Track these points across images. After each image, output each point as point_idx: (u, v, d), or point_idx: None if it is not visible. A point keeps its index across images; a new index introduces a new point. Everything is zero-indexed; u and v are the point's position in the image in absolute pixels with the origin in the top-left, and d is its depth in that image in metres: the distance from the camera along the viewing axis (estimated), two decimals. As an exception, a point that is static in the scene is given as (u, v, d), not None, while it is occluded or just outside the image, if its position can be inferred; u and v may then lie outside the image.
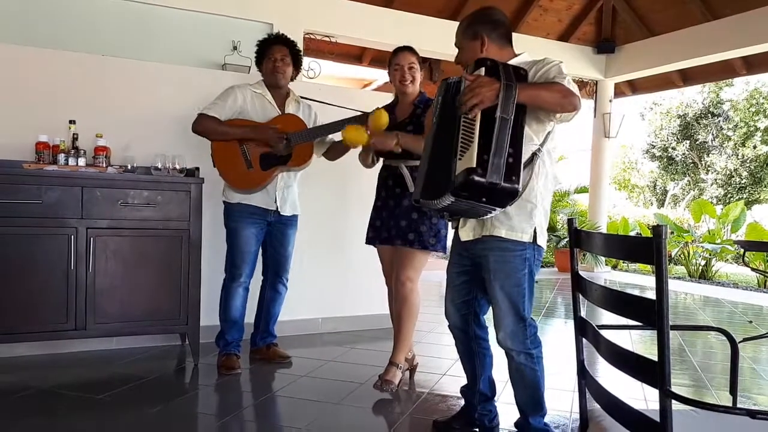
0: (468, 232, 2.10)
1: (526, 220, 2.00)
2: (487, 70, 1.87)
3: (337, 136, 3.14)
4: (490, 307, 2.14)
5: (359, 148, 2.92)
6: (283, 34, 3.25)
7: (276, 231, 3.24)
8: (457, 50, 2.21)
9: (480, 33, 2.10)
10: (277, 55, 3.13)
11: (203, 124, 3.00)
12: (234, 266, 3.14)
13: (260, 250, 3.27)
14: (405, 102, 2.92)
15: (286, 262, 3.32)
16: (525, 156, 1.94)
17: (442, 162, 1.92)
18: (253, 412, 2.57)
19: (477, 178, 1.74)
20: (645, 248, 1.13)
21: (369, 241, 3.00)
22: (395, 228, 2.83)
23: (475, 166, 1.74)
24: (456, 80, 2.02)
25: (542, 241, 2.06)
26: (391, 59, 2.89)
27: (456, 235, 2.20)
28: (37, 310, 2.85)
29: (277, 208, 3.15)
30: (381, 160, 2.94)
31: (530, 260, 2.04)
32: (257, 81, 3.22)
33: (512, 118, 1.81)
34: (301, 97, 3.31)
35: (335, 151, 3.26)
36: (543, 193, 2.04)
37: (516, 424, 2.19)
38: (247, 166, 3.03)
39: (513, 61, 2.05)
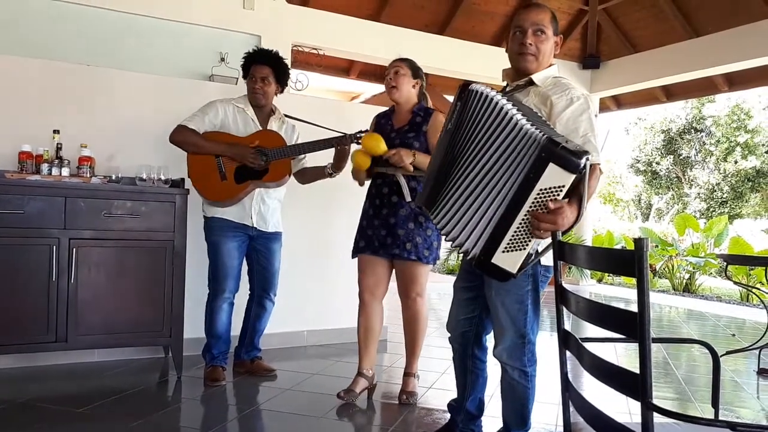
0: None
1: None
2: (570, 191, 1.68)
3: (310, 161, 3.21)
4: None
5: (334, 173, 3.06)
6: (267, 51, 3.15)
7: (260, 246, 3.18)
8: (529, 28, 1.92)
9: (559, 32, 2.01)
10: (257, 75, 3.07)
11: (181, 135, 2.96)
12: (217, 281, 3.08)
13: (246, 266, 3.25)
14: (402, 110, 2.90)
15: (273, 278, 3.26)
16: None
17: (446, 172, 1.86)
18: (237, 426, 2.54)
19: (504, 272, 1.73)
20: (627, 261, 1.14)
21: (359, 251, 2.87)
22: (391, 237, 2.77)
23: (515, 272, 1.73)
24: (482, 91, 1.78)
25: (545, 259, 1.94)
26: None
27: None
28: (18, 321, 2.80)
29: (252, 224, 3.10)
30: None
31: (535, 276, 1.98)
32: (242, 95, 3.18)
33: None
34: (286, 116, 3.25)
35: (309, 175, 3.27)
36: None
37: None
38: (221, 178, 2.99)
39: (542, 74, 1.95)
